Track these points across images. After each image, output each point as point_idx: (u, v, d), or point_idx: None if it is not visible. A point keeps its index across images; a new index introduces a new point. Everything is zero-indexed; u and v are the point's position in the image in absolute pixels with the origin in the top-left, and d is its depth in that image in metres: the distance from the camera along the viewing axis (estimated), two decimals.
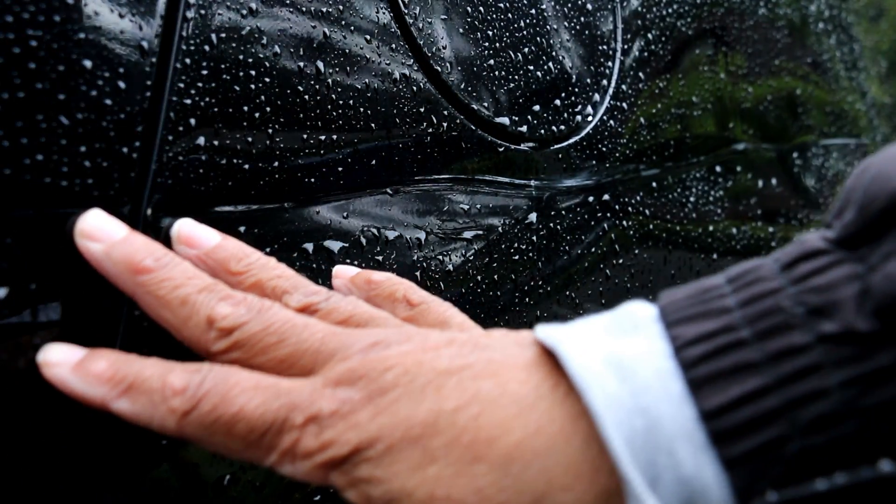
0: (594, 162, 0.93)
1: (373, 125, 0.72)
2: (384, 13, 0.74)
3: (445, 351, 0.51)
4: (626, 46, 1.00)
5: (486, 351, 0.51)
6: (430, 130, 0.77)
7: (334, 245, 0.69)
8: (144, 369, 0.51)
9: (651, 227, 1.03)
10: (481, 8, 0.82)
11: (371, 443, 0.47)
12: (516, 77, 0.85)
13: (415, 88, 0.76)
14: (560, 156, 0.90)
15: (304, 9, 0.68)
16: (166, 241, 0.59)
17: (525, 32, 0.86)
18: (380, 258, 0.72)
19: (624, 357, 0.46)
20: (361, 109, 0.71)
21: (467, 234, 0.80)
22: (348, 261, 0.70)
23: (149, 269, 0.53)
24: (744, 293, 0.46)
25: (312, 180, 0.68)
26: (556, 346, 0.48)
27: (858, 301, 0.42)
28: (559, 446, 0.45)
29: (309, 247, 0.67)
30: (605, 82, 0.96)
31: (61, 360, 0.52)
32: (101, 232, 0.54)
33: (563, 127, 0.89)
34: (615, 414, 0.44)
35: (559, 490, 0.45)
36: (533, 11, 0.88)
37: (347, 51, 0.70)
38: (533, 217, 0.86)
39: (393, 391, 0.48)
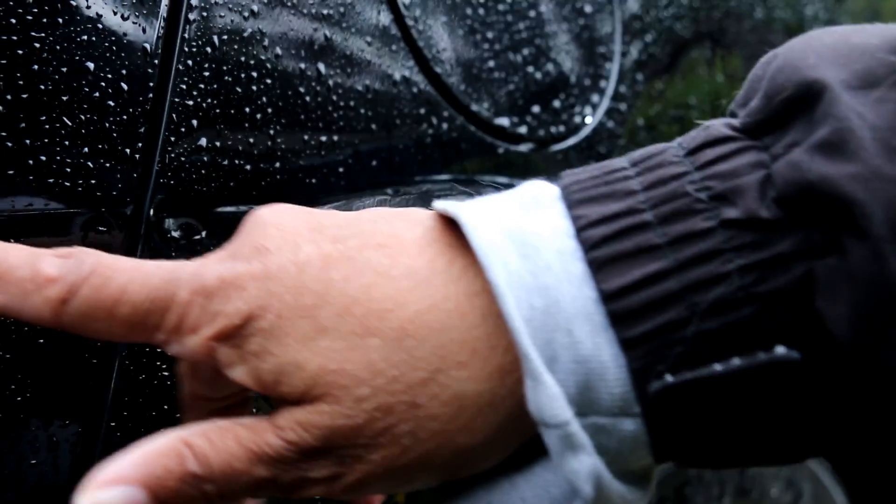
0: (593, 163, 0.94)
1: (373, 126, 0.72)
2: (385, 15, 0.74)
3: (329, 221, 0.48)
4: (625, 48, 1.01)
5: (373, 223, 0.48)
6: (431, 131, 0.77)
7: None
8: (10, 257, 0.46)
9: None
10: (481, 10, 0.82)
11: (261, 312, 0.44)
12: (516, 79, 0.86)
13: (415, 90, 0.76)
14: (559, 157, 0.90)
15: (305, 11, 0.68)
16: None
17: (525, 34, 0.86)
18: None
19: (526, 234, 0.44)
20: (362, 111, 0.72)
21: None
22: None
23: None
24: (648, 176, 0.45)
25: (313, 181, 0.68)
26: (458, 216, 0.46)
27: (761, 188, 0.42)
28: (454, 323, 0.44)
29: None
30: (603, 84, 0.97)
31: None
32: None
33: (562, 128, 0.90)
34: (516, 292, 0.43)
35: (454, 366, 0.44)
36: (532, 14, 0.88)
37: (348, 53, 0.71)
38: None
39: (277, 257, 0.46)
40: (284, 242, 0.46)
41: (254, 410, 0.55)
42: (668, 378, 0.41)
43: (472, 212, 0.46)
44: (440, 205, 0.48)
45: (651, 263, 0.42)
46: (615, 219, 0.43)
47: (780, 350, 0.41)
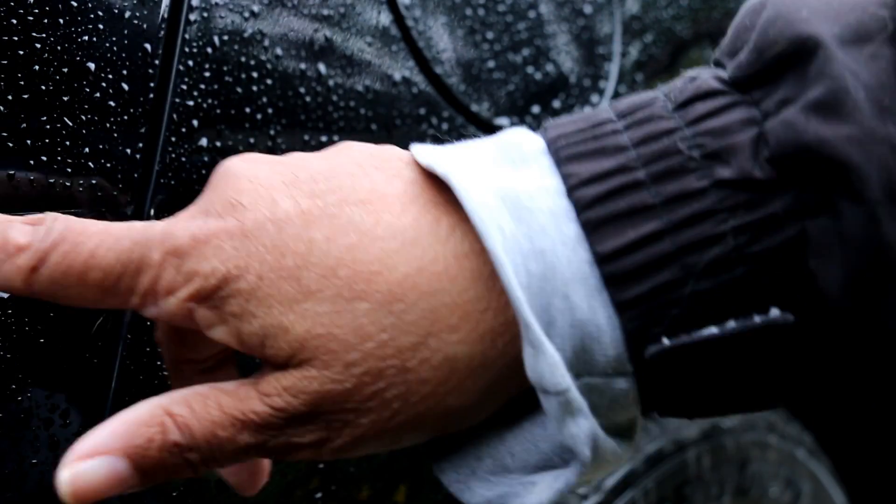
0: None
1: (373, 127, 0.72)
2: (385, 16, 0.74)
3: (304, 174, 0.46)
4: (624, 49, 1.01)
5: (351, 177, 0.46)
6: (431, 132, 0.77)
7: None
8: None
9: None
10: (481, 11, 0.83)
11: (240, 273, 0.43)
12: (516, 79, 0.86)
13: (415, 90, 0.76)
14: None
15: (305, 12, 0.68)
16: None
17: (524, 35, 0.86)
18: None
19: (519, 194, 0.43)
20: (362, 111, 0.72)
21: None
22: None
23: None
24: (637, 131, 0.44)
25: None
26: (446, 176, 0.44)
27: (754, 147, 0.42)
28: (444, 286, 0.44)
29: None
30: (603, 84, 0.97)
31: None
32: None
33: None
34: (513, 257, 0.42)
35: (444, 330, 0.43)
36: (532, 14, 0.89)
37: (349, 53, 0.71)
38: None
39: (253, 214, 0.44)
40: (259, 197, 0.45)
41: None
42: (665, 341, 0.42)
43: (460, 170, 0.44)
44: (421, 157, 0.47)
45: (645, 224, 0.42)
46: (607, 177, 0.43)
47: (775, 312, 0.42)
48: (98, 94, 0.56)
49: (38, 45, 0.54)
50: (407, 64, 0.76)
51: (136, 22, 0.58)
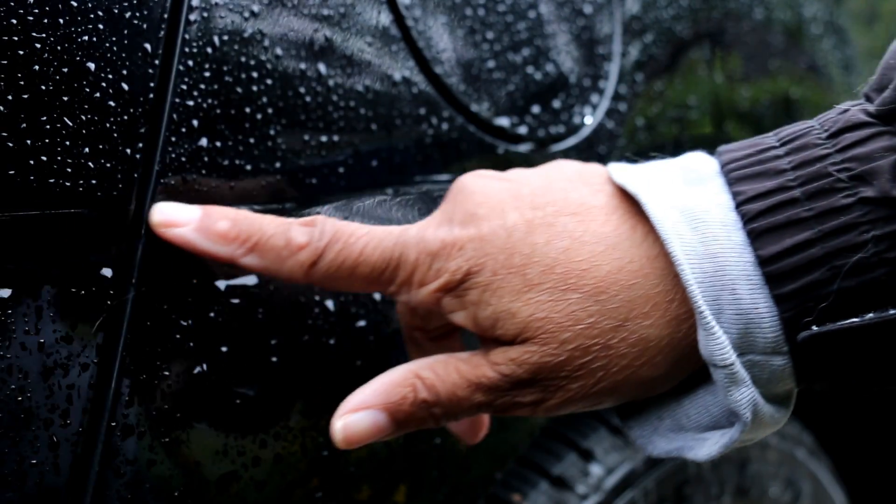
0: (594, 163, 0.94)
1: (373, 126, 0.73)
2: (385, 16, 0.74)
3: (526, 190, 0.59)
4: (624, 49, 1.01)
5: (564, 192, 0.59)
6: (431, 132, 0.77)
7: None
8: (265, 227, 0.59)
9: None
10: (481, 11, 0.83)
11: (479, 269, 0.57)
12: (516, 79, 0.86)
13: (415, 90, 0.76)
14: (559, 157, 0.90)
15: (305, 12, 0.68)
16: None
17: (524, 35, 0.86)
18: None
19: (695, 209, 0.55)
20: (362, 111, 0.72)
21: None
22: None
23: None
24: (796, 157, 0.54)
25: (314, 181, 0.68)
26: (637, 195, 0.56)
27: (893, 171, 0.50)
28: (640, 281, 0.56)
29: None
30: (603, 84, 0.97)
31: (179, 220, 0.59)
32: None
33: (562, 128, 0.90)
34: (690, 260, 0.53)
35: (639, 317, 0.56)
36: (532, 14, 0.89)
37: (349, 53, 0.71)
38: None
39: (488, 223, 0.58)
40: (492, 209, 0.58)
41: None
42: (814, 328, 0.52)
43: (647, 189, 0.56)
44: (616, 176, 0.59)
45: (800, 234, 0.52)
46: (769, 195, 0.53)
47: None
48: (98, 94, 0.56)
49: (38, 45, 0.54)
50: (407, 64, 0.76)
51: (135, 22, 0.58)
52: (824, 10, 1.43)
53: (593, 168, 0.62)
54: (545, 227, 0.57)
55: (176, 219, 0.59)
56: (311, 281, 0.59)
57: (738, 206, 0.54)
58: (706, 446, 0.59)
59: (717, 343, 0.53)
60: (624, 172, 0.59)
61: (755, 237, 0.53)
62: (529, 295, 0.56)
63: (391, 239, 0.59)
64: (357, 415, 0.58)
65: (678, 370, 0.59)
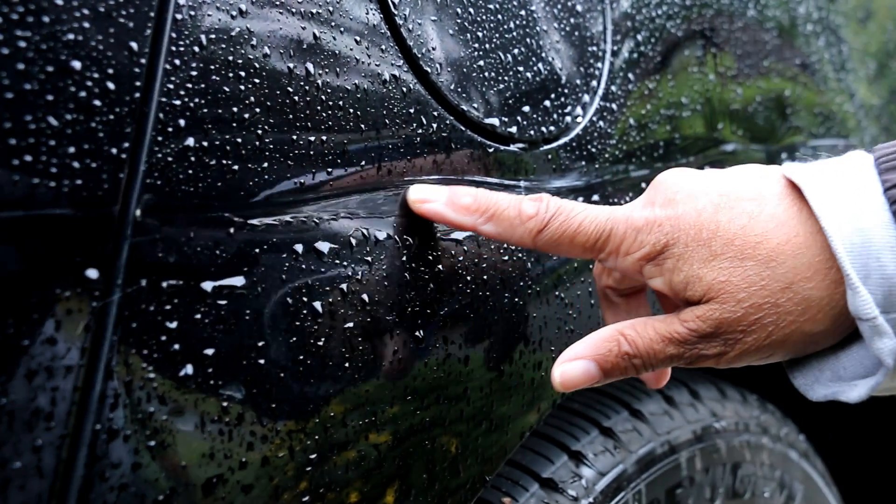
0: (584, 163, 0.94)
1: (363, 126, 0.72)
2: (374, 14, 0.74)
3: (714, 183, 0.72)
4: (615, 48, 1.00)
5: (744, 183, 0.71)
6: (420, 131, 0.77)
7: (324, 246, 0.69)
8: (500, 201, 0.74)
9: None
10: (471, 9, 0.82)
11: (674, 242, 0.70)
12: (506, 78, 0.85)
13: (405, 89, 0.76)
14: (550, 156, 0.90)
15: (293, 10, 0.68)
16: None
17: (515, 34, 0.86)
18: (369, 259, 0.72)
19: (848, 193, 0.66)
20: (351, 110, 0.71)
21: (457, 235, 0.80)
22: (337, 262, 0.70)
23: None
24: None
25: (302, 181, 0.68)
26: (800, 183, 0.68)
27: None
28: (803, 251, 0.67)
29: (299, 248, 0.67)
30: (594, 83, 0.96)
31: (432, 198, 0.76)
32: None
33: (552, 128, 0.89)
34: (841, 233, 0.65)
35: (803, 280, 0.67)
36: (523, 13, 0.88)
37: (337, 52, 0.70)
38: None
39: (683, 206, 0.70)
40: (687, 196, 0.71)
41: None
42: None
43: (809, 179, 0.68)
44: (787, 170, 0.70)
45: None
46: None
47: None
48: (83, 94, 0.56)
49: (23, 44, 0.53)
50: (397, 63, 0.75)
51: (122, 20, 0.58)
52: (817, 8, 1.43)
53: (770, 167, 0.73)
54: (728, 209, 0.69)
55: (429, 196, 0.75)
56: (536, 246, 0.74)
57: (886, 190, 0.65)
58: (856, 390, 0.70)
59: (862, 300, 0.64)
60: (793, 168, 0.70)
61: None
62: (714, 263, 0.68)
63: (604, 215, 0.72)
64: (572, 364, 0.72)
65: (837, 326, 0.69)
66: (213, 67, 0.63)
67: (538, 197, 0.74)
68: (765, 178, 0.72)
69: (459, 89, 0.80)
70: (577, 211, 0.73)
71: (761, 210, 0.69)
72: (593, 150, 0.95)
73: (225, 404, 0.63)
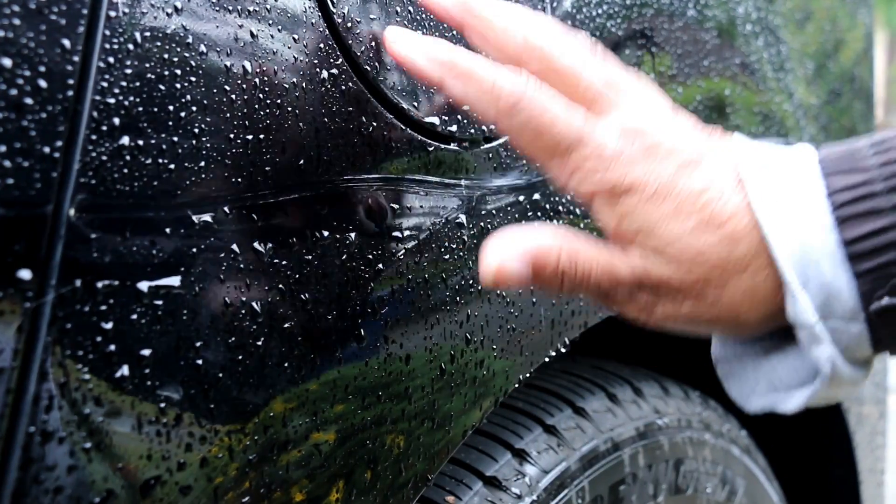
0: (524, 161, 0.94)
1: (301, 125, 0.72)
2: (312, 12, 0.73)
3: (693, 148, 0.69)
4: None
5: (714, 156, 0.69)
6: (360, 130, 0.77)
7: (262, 245, 0.69)
8: (477, 66, 0.70)
9: (581, 226, 1.03)
10: (411, 7, 0.82)
11: (643, 186, 0.67)
12: None
13: (343, 88, 0.75)
14: (490, 155, 0.90)
15: (230, 8, 0.67)
16: None
17: (455, 32, 0.86)
18: (309, 258, 0.72)
19: (791, 195, 0.65)
20: (289, 109, 0.71)
21: (397, 234, 0.80)
22: (276, 260, 0.69)
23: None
24: (881, 157, 0.65)
25: (239, 181, 0.67)
26: (747, 184, 0.67)
27: None
28: (754, 235, 0.65)
29: (236, 247, 0.67)
30: None
31: (406, 40, 0.74)
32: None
33: (493, 126, 0.90)
34: (782, 238, 0.64)
35: (752, 273, 0.66)
36: None
37: (275, 50, 0.70)
38: (463, 217, 0.86)
39: (660, 157, 0.67)
40: (667, 152, 0.68)
41: None
42: (886, 300, 0.63)
43: (755, 181, 0.67)
44: (741, 163, 0.68)
45: (878, 221, 0.63)
46: (855, 188, 0.64)
47: None
48: (14, 91, 0.55)
49: None
50: (336, 62, 0.75)
51: (53, 17, 0.57)
52: (756, 9, 1.45)
53: (735, 146, 0.71)
54: (700, 178, 0.67)
55: (404, 39, 0.74)
56: (496, 123, 0.70)
57: (829, 195, 0.64)
58: (793, 400, 0.70)
59: (802, 307, 0.64)
60: (743, 157, 0.69)
61: (840, 222, 0.63)
62: (676, 220, 0.66)
63: (579, 123, 0.68)
64: (513, 264, 0.67)
65: (768, 322, 0.69)
66: (148, 66, 0.62)
67: (520, 72, 0.69)
68: (728, 163, 0.70)
69: (399, 88, 0.80)
70: (553, 105, 0.68)
71: (725, 194, 0.67)
72: None
73: (162, 405, 0.63)
